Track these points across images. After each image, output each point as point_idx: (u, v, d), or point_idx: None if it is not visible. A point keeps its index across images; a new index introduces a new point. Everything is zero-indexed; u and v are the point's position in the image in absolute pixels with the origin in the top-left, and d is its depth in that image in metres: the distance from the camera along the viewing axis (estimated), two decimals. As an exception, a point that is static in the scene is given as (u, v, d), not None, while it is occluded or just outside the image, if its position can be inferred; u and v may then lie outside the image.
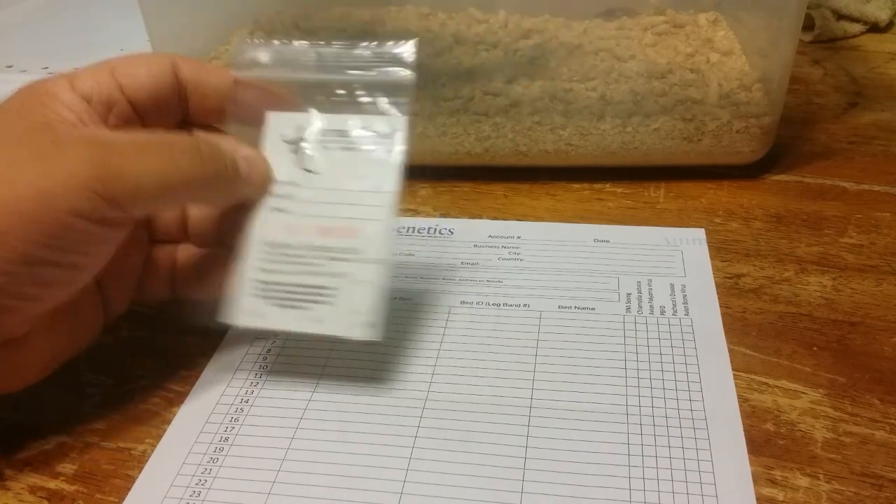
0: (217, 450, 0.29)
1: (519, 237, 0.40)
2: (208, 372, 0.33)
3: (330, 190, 0.31)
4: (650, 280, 0.36)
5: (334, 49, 0.32)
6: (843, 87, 0.55)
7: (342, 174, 0.31)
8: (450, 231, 0.40)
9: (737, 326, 0.34)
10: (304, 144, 0.31)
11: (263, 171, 0.31)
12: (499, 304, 0.35)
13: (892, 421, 0.29)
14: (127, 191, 0.26)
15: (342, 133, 0.31)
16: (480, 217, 0.42)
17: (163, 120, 0.31)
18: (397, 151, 0.31)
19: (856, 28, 0.62)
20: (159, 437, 0.30)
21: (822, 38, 0.61)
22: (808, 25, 0.61)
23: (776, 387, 0.31)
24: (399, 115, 0.31)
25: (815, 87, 0.54)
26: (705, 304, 0.35)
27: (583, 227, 0.40)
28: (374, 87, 0.32)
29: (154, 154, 0.27)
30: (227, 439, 0.30)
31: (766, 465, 0.28)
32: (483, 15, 0.45)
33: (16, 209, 0.24)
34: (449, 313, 0.35)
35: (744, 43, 0.44)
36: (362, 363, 0.32)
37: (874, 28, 0.63)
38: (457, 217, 0.42)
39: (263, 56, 0.32)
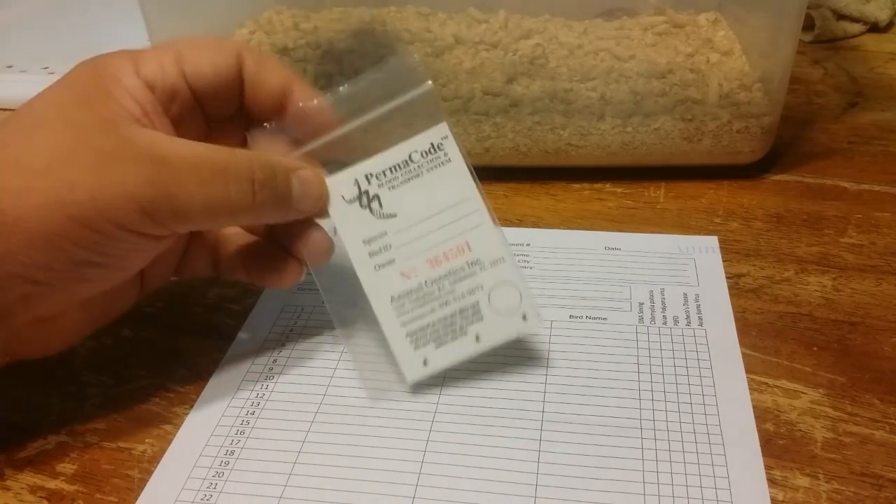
0: (228, 452, 0.29)
1: (528, 244, 0.39)
2: (216, 378, 0.32)
3: (420, 223, 0.31)
4: (663, 289, 0.36)
5: (344, 92, 0.31)
6: (843, 87, 0.55)
7: (422, 203, 0.31)
8: None
9: (737, 326, 0.34)
10: (371, 195, 0.31)
11: (318, 192, 0.30)
12: None
13: (892, 421, 0.29)
14: (176, 214, 0.27)
15: (398, 167, 0.31)
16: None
17: (222, 108, 0.31)
18: (456, 157, 0.31)
19: (856, 28, 0.62)
20: (159, 437, 0.30)
21: (822, 38, 0.61)
22: (808, 25, 0.61)
23: (776, 387, 0.31)
24: (437, 123, 0.31)
25: (815, 87, 0.54)
26: (719, 313, 0.34)
27: (593, 235, 0.40)
28: (402, 111, 0.31)
29: (208, 180, 0.27)
30: (238, 442, 0.29)
31: (766, 465, 0.28)
32: (483, 15, 0.45)
33: (72, 213, 0.25)
34: None
35: (744, 43, 0.44)
36: (372, 372, 0.32)
37: (874, 28, 0.63)
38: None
39: (281, 139, 0.31)
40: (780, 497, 0.27)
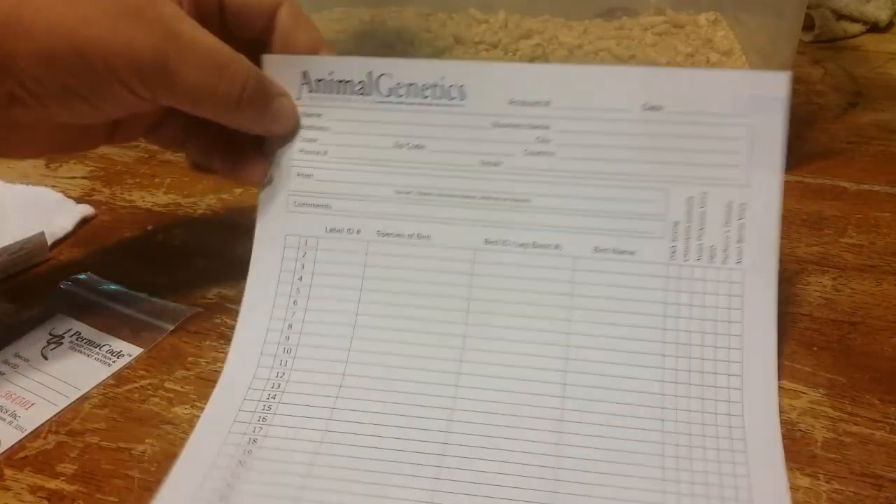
0: (245, 452, 0.29)
1: (548, 103, 0.31)
2: (228, 371, 0.32)
3: None
4: (704, 196, 0.30)
5: None
6: (843, 87, 0.54)
7: None
8: (461, 93, 0.32)
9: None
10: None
11: (292, 119, 0.33)
12: (526, 246, 0.31)
13: (892, 421, 0.29)
14: (166, 87, 0.29)
15: None
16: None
17: (240, 36, 0.32)
18: None
19: (856, 28, 0.62)
20: (159, 437, 0.30)
21: (822, 38, 0.61)
22: (808, 25, 0.61)
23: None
24: None
25: (815, 87, 0.54)
26: (763, 239, 0.30)
27: (630, 81, 0.31)
28: None
29: (206, 70, 0.29)
30: (254, 440, 0.29)
31: (766, 465, 0.28)
32: (483, 15, 0.45)
33: (77, 44, 0.27)
34: (473, 261, 0.32)
35: (744, 43, 0.44)
36: (388, 344, 0.31)
37: (874, 28, 0.63)
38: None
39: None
40: (780, 497, 0.27)
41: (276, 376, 0.31)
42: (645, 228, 0.30)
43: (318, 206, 0.33)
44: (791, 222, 0.41)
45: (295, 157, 0.33)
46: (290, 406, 0.30)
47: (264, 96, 0.32)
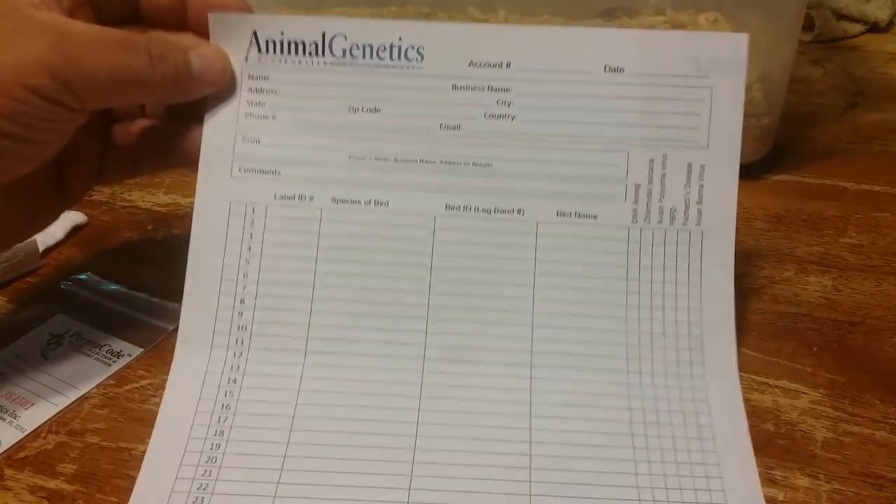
0: (217, 435, 0.29)
1: (509, 65, 0.31)
2: (180, 351, 0.31)
3: None
4: (664, 158, 0.30)
5: None
6: (843, 87, 0.54)
7: None
8: (419, 54, 0.31)
9: (737, 326, 0.34)
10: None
11: (220, 68, 0.31)
12: (489, 211, 0.31)
13: (892, 421, 0.29)
14: (83, 80, 0.27)
15: None
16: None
17: (116, 9, 0.31)
18: None
19: (856, 28, 0.62)
20: (159, 437, 0.30)
21: (822, 38, 0.61)
22: (808, 25, 0.61)
23: (776, 387, 0.31)
24: None
25: (815, 87, 0.54)
26: (722, 201, 0.31)
27: (591, 43, 0.31)
28: None
29: (108, 50, 0.28)
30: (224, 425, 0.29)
31: (766, 465, 0.28)
32: (483, 15, 0.45)
33: None
34: (434, 228, 0.31)
35: (744, 43, 0.44)
36: (354, 317, 0.30)
37: (874, 28, 0.63)
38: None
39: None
40: (780, 497, 0.27)
41: (231, 370, 0.30)
42: (607, 191, 0.30)
43: (265, 171, 0.31)
44: (791, 222, 0.41)
45: (240, 122, 0.31)
46: (247, 405, 0.29)
47: (175, 51, 0.30)
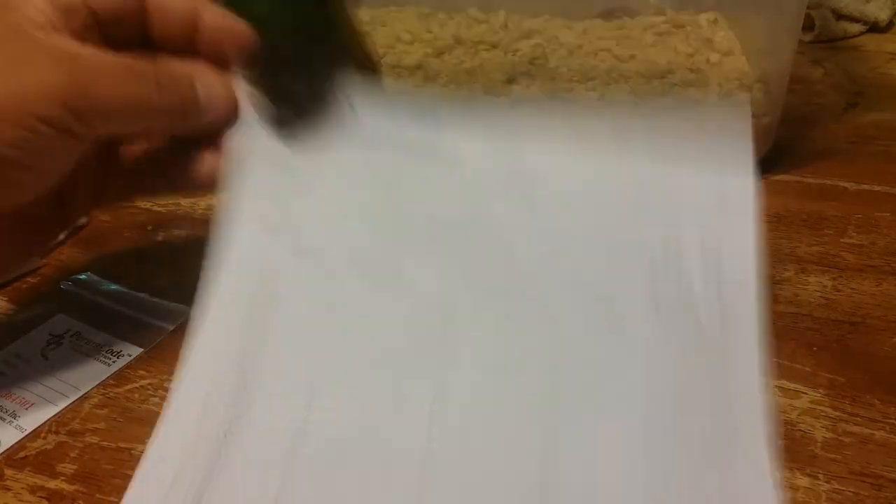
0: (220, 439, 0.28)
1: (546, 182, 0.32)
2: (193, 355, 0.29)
3: None
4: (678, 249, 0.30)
5: None
6: (843, 87, 0.54)
7: None
8: (461, 161, 0.32)
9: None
10: None
11: (226, 98, 0.31)
12: (507, 300, 0.30)
13: (892, 421, 0.29)
14: (93, 109, 0.27)
15: None
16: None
17: (125, 33, 0.30)
18: None
19: (856, 28, 0.62)
20: (159, 437, 0.30)
21: (822, 38, 0.61)
22: (808, 25, 0.61)
23: (776, 387, 0.31)
24: None
25: (815, 87, 0.54)
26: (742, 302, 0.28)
27: (614, 181, 0.31)
28: None
29: (118, 78, 0.28)
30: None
31: (765, 465, 0.28)
32: (483, 15, 0.45)
33: None
34: (454, 307, 0.30)
35: (744, 43, 0.44)
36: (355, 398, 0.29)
37: (874, 28, 0.63)
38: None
39: None
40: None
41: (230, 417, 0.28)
42: (624, 281, 0.30)
43: (286, 230, 0.31)
44: (791, 222, 0.41)
45: (267, 177, 0.31)
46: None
47: (182, 81, 0.30)
